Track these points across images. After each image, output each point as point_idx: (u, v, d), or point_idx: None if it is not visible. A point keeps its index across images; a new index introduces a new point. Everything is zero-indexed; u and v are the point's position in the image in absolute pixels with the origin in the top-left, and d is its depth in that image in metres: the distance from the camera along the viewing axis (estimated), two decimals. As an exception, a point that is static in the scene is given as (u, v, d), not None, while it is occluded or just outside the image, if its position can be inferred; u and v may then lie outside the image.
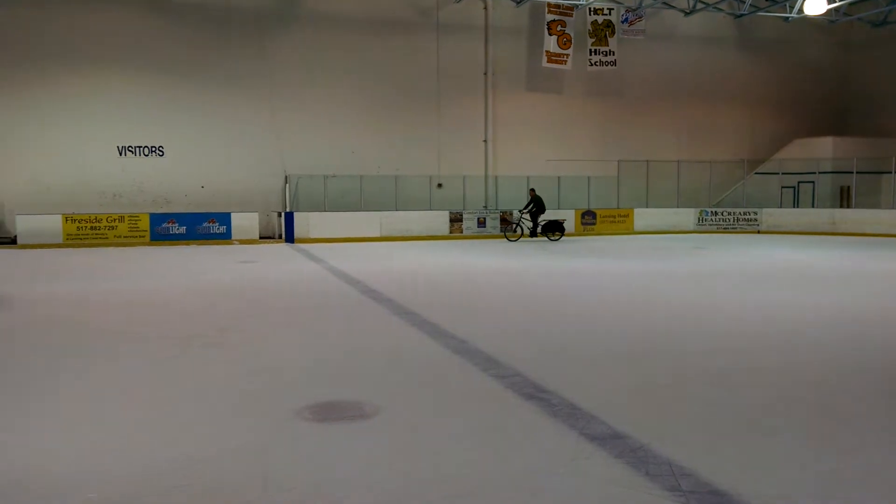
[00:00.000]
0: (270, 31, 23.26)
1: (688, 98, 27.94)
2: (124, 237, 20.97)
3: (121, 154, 22.09)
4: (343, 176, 23.59)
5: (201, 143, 22.69)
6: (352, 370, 6.19)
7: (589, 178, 26.22)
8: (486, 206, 25.39)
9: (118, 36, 21.88)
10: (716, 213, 26.54)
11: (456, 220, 23.97)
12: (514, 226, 22.43)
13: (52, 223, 20.53)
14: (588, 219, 25.47)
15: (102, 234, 20.84)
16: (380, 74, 24.44)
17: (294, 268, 14.79)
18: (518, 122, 26.08)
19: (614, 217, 25.96)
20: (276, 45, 23.33)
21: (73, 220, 20.71)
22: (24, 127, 21.32)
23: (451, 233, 23.78)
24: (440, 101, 25.15)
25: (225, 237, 21.70)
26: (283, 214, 22.30)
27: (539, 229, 21.95)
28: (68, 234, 20.58)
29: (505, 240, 22.24)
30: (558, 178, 25.56)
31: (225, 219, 21.84)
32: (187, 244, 20.96)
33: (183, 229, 21.38)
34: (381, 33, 24.36)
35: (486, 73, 25.62)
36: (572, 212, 25.08)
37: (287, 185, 22.91)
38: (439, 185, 25.01)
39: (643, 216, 26.25)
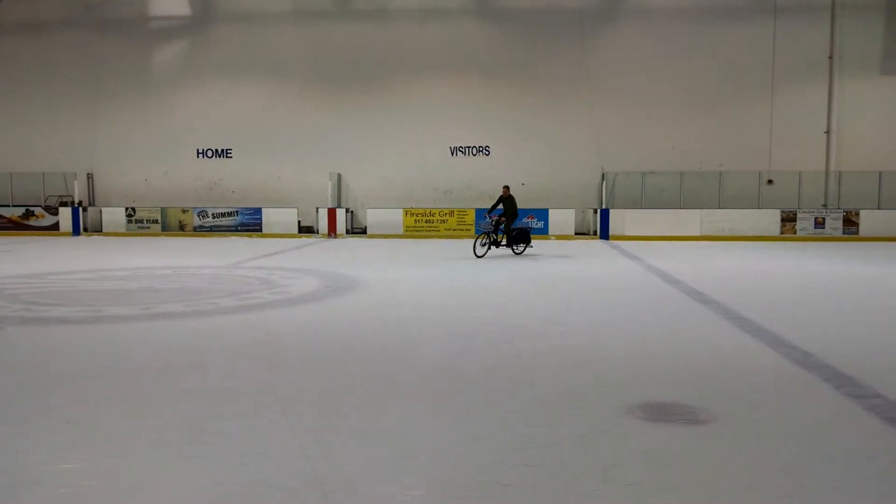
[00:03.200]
0: (592, 30, 23.44)
1: None
2: (453, 230, 22.82)
3: (452, 154, 24.09)
4: (661, 172, 22.92)
5: (523, 141, 23.74)
6: (681, 373, 5.97)
7: (968, 172, 22.06)
8: (825, 205, 22.76)
9: (454, 46, 23.83)
10: None
11: (788, 219, 21.87)
12: (487, 236, 15.89)
13: (395, 216, 23.13)
14: (964, 222, 21.44)
15: (435, 226, 22.92)
16: (704, 65, 23.24)
17: (610, 264, 14.75)
18: (869, 109, 22.92)
19: None
20: (596, 42, 23.46)
21: (412, 214, 23.09)
22: (376, 132, 24.31)
23: (781, 233, 21.78)
24: (773, 89, 23.13)
25: (542, 232, 22.44)
26: (598, 211, 22.38)
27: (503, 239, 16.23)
28: (407, 226, 23.00)
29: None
30: (923, 173, 21.94)
31: (543, 214, 22.59)
32: (508, 238, 22.10)
33: (504, 224, 22.59)
34: (708, 22, 23.12)
35: (830, 57, 22.92)
36: (938, 213, 21.29)
37: (604, 181, 22.95)
38: (769, 182, 23.03)
39: None
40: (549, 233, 22.51)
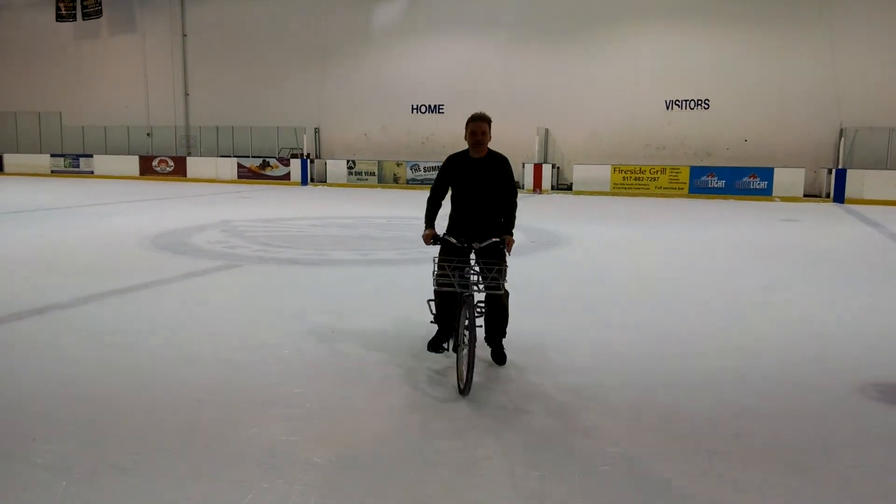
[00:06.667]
0: (838, -34, 20.82)
1: None
2: (664, 188, 21.80)
3: (667, 108, 22.85)
4: (914, 128, 20.08)
5: (748, 94, 21.88)
6: (927, 353, 5.28)
7: None
8: None
9: (674, -9, 22.40)
10: None
11: None
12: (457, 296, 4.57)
13: (602, 173, 22.56)
14: None
15: (644, 184, 22.04)
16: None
17: (845, 230, 13.32)
18: None
19: None
20: (844, -20, 20.81)
21: (620, 171, 22.38)
22: (585, 85, 23.70)
23: None
24: None
25: (765, 193, 20.74)
26: (833, 171, 20.18)
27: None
28: (615, 184, 22.35)
29: None
30: None
31: (766, 174, 20.83)
32: (725, 199, 20.70)
33: (721, 183, 21.17)
34: None
35: None
36: None
37: (842, 138, 20.56)
38: None
39: None
40: (774, 194, 20.72)
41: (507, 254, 4.55)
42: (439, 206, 4.71)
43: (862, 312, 6.61)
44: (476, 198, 4.61)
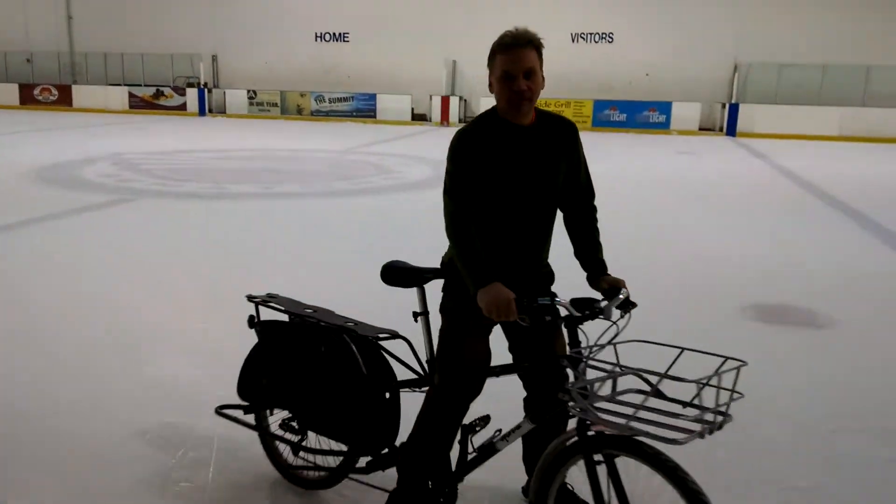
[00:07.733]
0: None
1: None
2: (568, 122, 22.10)
3: (573, 41, 23.02)
4: (800, 65, 21.04)
5: (650, 29, 22.27)
6: (803, 278, 5.69)
7: None
8: None
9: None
10: None
11: (945, 121, 19.74)
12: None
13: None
14: None
15: (550, 117, 22.26)
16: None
17: (734, 162, 14.00)
18: None
19: None
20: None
21: (527, 104, 22.48)
22: (493, 17, 23.30)
23: (936, 137, 19.77)
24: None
25: (663, 127, 21.43)
26: (727, 106, 21.02)
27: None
28: (521, 117, 22.48)
29: None
30: None
31: (665, 108, 21.48)
32: (626, 132, 21.26)
33: (623, 117, 21.69)
34: None
35: None
36: None
37: (736, 74, 21.37)
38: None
39: None
40: (672, 127, 21.44)
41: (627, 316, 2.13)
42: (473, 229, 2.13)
43: (747, 240, 7.01)
44: (532, 205, 2.25)
